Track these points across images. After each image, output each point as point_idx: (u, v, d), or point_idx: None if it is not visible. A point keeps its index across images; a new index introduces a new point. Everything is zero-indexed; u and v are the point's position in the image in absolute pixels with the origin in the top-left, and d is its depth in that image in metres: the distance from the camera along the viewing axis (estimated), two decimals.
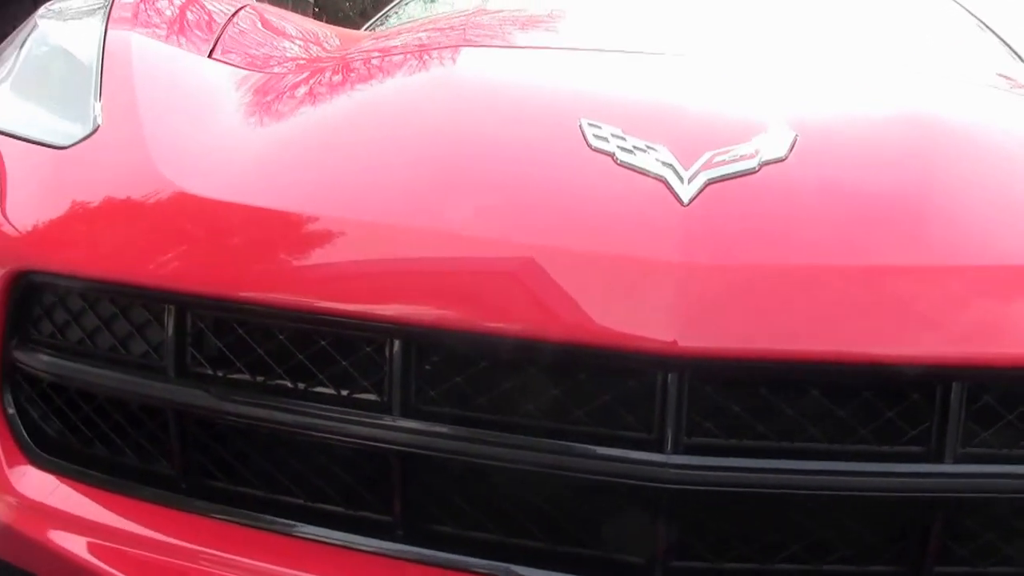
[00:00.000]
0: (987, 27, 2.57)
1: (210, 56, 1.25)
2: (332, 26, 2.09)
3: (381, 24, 2.70)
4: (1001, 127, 1.08)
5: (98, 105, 1.11)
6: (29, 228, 1.03)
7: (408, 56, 1.19)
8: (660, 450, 0.83)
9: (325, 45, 1.50)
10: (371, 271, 0.89)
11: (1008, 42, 2.55)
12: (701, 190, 0.87)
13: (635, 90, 1.03)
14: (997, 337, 0.84)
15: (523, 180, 0.91)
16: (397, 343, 0.88)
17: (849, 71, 1.16)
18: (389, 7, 2.77)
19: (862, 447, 0.85)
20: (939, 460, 0.84)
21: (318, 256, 0.90)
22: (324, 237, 0.91)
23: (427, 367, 0.88)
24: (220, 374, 0.94)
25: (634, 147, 0.91)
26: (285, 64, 1.26)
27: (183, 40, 1.29)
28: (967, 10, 2.78)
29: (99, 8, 1.36)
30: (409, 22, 1.59)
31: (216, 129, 1.07)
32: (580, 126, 0.95)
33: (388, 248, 0.89)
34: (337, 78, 1.16)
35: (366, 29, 2.62)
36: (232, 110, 1.10)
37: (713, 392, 0.84)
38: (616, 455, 0.84)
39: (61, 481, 1.01)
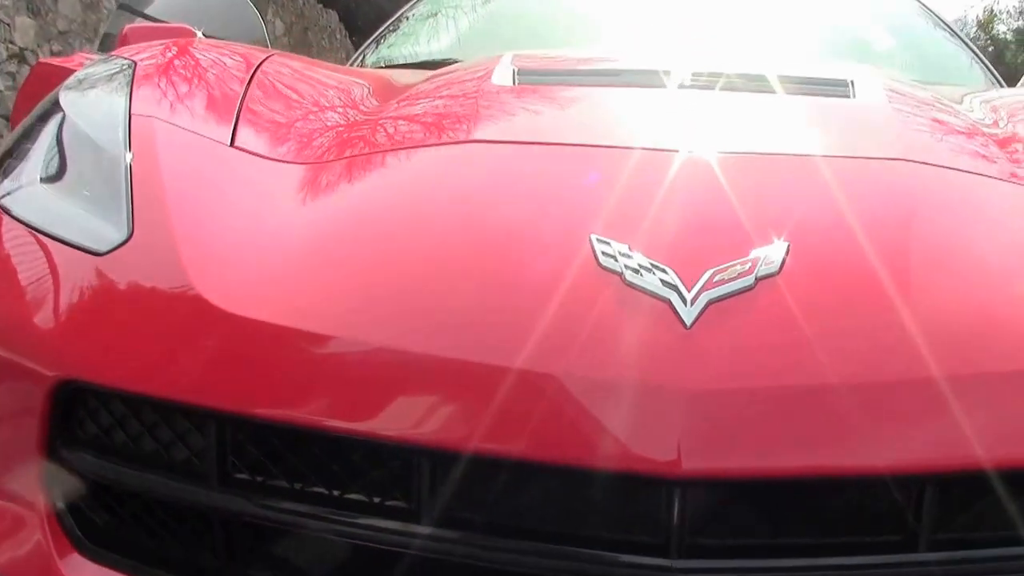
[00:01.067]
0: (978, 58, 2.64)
1: (232, 143, 1.30)
2: (359, 71, 2.14)
3: (382, 42, 2.75)
4: (991, 223, 1.14)
5: (130, 207, 1.16)
6: (72, 336, 1.10)
7: (424, 152, 1.25)
8: (666, 555, 0.92)
9: (352, 105, 1.56)
10: (394, 396, 0.97)
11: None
12: (702, 311, 0.95)
13: (639, 197, 1.09)
14: (968, 445, 0.92)
15: (538, 303, 0.98)
16: (423, 460, 0.96)
17: (840, 160, 1.21)
18: (387, 25, 2.83)
19: (848, 540, 0.94)
20: (915, 550, 0.94)
21: (350, 381, 0.98)
22: (355, 362, 0.98)
23: (451, 481, 0.96)
24: (260, 480, 1.02)
25: (640, 267, 0.98)
26: (309, 148, 1.31)
27: (207, 121, 1.35)
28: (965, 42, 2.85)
29: (121, 83, 1.42)
30: (425, 83, 1.64)
31: (247, 236, 1.13)
32: (591, 242, 1.02)
33: (411, 375, 0.96)
34: (353, 178, 1.22)
35: (371, 45, 2.67)
36: (262, 214, 1.16)
37: (715, 502, 0.93)
38: (625, 561, 0.93)
39: (111, 571, 1.09)
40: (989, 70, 2.70)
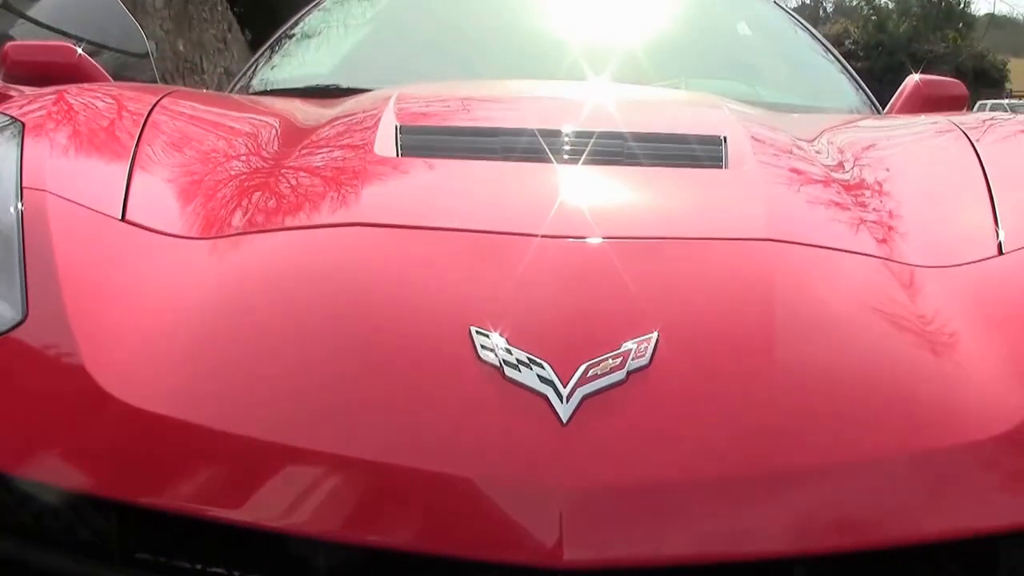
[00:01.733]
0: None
1: (124, 215, 1.32)
2: (256, 105, 2.16)
3: (274, 56, 2.75)
4: (852, 303, 1.22)
5: (23, 286, 1.19)
6: None
7: (309, 234, 1.29)
8: None
9: (253, 151, 1.60)
10: (271, 486, 1.02)
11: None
12: (578, 407, 1.02)
13: (518, 285, 1.16)
14: (829, 531, 1.01)
15: (417, 399, 1.04)
16: (313, 548, 1.02)
17: (709, 243, 1.27)
18: (275, 37, 2.83)
19: None
20: None
21: (228, 470, 1.03)
22: (234, 452, 1.03)
23: (340, 569, 1.02)
24: (163, 560, 1.06)
25: (518, 361, 1.05)
26: (200, 217, 1.34)
27: (98, 190, 1.37)
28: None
29: (9, 150, 1.42)
30: (319, 135, 1.67)
31: (139, 319, 1.16)
32: (470, 334, 1.08)
33: (288, 466, 1.02)
34: (239, 259, 1.26)
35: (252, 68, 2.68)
36: (151, 296, 1.20)
37: None
38: None
39: None
40: (859, 84, 2.81)
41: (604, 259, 1.21)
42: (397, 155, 1.44)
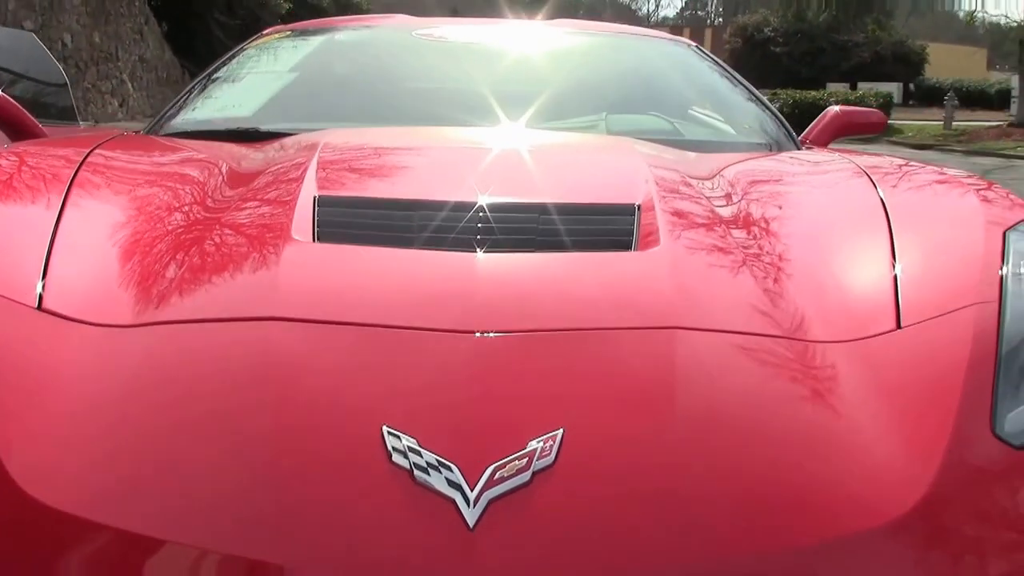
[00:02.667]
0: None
1: (41, 302, 1.34)
2: (189, 153, 2.16)
3: (197, 98, 2.75)
4: (760, 386, 1.27)
5: None
6: None
7: (225, 328, 1.31)
8: None
9: (186, 204, 1.63)
10: None
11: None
12: (484, 511, 1.06)
13: (430, 384, 1.20)
14: None
15: (327, 504, 1.08)
16: None
17: (615, 333, 1.31)
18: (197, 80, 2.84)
19: None
20: None
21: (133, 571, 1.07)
22: (138, 553, 1.07)
23: None
24: None
25: (427, 464, 1.09)
26: (119, 300, 1.36)
27: (15, 272, 1.39)
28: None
29: None
30: (242, 198, 1.70)
31: (52, 412, 1.18)
32: (382, 435, 1.12)
33: (191, 568, 1.06)
34: (152, 352, 1.27)
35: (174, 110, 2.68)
36: (65, 388, 1.22)
37: None
38: None
39: None
40: (778, 119, 2.87)
41: (513, 353, 1.25)
42: (313, 239, 1.47)
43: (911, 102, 38.99)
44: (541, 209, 1.59)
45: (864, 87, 33.06)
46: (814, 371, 1.30)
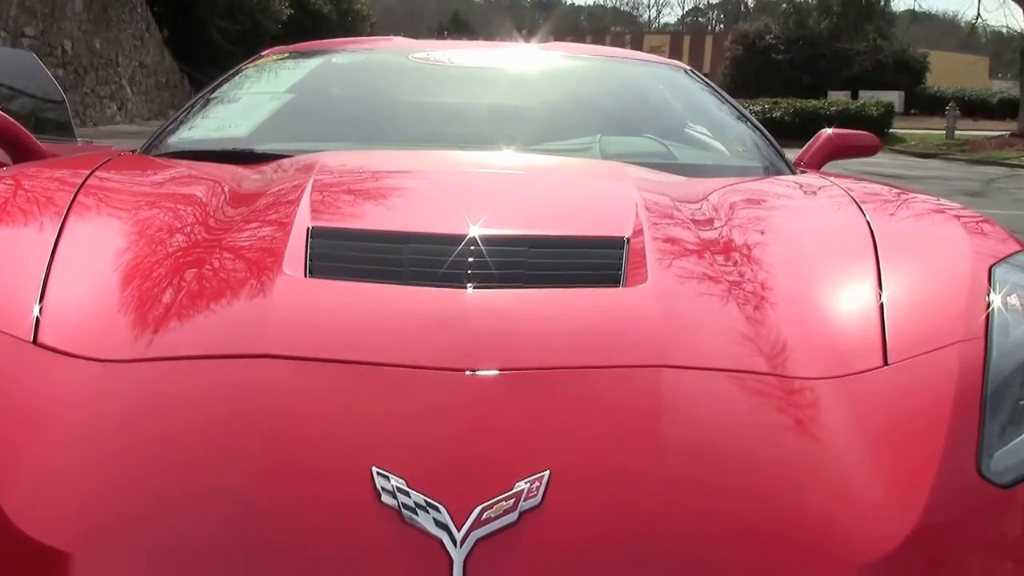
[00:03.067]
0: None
1: (36, 336, 1.35)
2: (187, 173, 2.17)
3: (193, 117, 2.76)
4: (745, 425, 1.28)
5: None
6: None
7: (215, 365, 1.32)
8: None
9: (179, 229, 1.64)
10: None
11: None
12: (471, 551, 1.07)
13: (419, 423, 1.21)
14: None
15: (316, 543, 1.09)
16: None
17: (601, 372, 1.32)
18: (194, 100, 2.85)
19: None
20: None
21: None
22: None
23: None
24: None
25: (416, 505, 1.10)
26: (113, 334, 1.37)
27: (11, 306, 1.40)
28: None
29: None
30: (237, 227, 1.71)
31: (49, 451, 1.19)
32: (372, 475, 1.13)
33: None
34: (143, 391, 1.28)
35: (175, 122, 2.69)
36: (60, 426, 1.22)
37: None
38: None
39: None
40: (770, 142, 2.87)
41: (500, 392, 1.26)
42: (305, 275, 1.48)
43: (913, 111, 38.95)
44: (531, 242, 1.60)
45: (865, 95, 33.09)
46: (800, 409, 1.31)
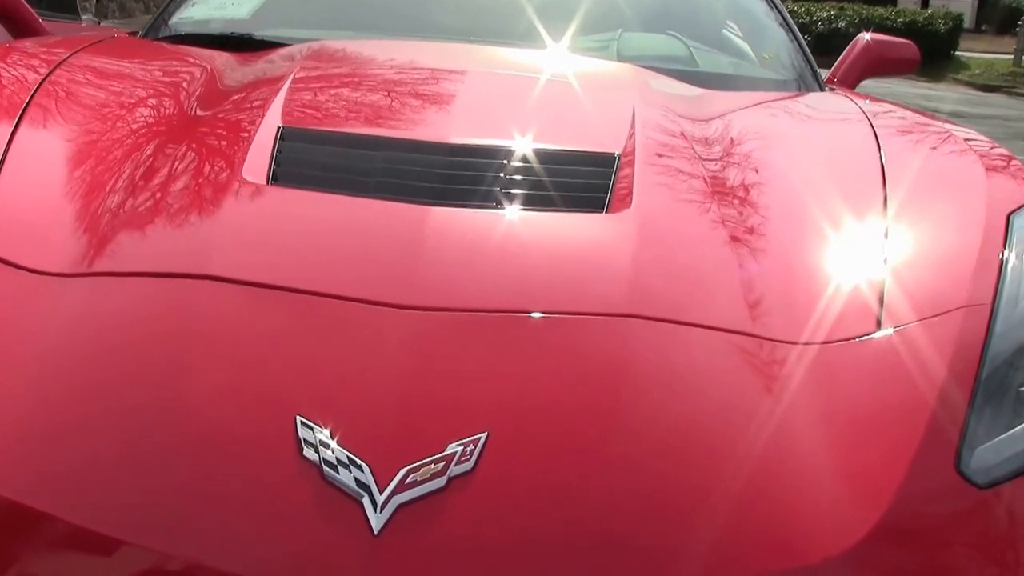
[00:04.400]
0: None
1: None
2: (169, 67, 2.07)
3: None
4: (711, 391, 1.19)
5: None
6: None
7: (156, 284, 1.24)
8: None
9: (136, 137, 1.55)
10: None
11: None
12: (391, 517, 0.99)
13: (358, 366, 1.12)
14: None
15: (227, 493, 1.02)
16: None
17: (562, 319, 1.22)
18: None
19: None
20: None
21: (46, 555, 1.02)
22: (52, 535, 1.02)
23: None
24: None
25: (338, 461, 1.02)
26: (60, 244, 1.29)
27: None
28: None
29: None
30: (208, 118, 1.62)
31: None
32: (295, 425, 1.05)
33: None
34: (86, 310, 1.20)
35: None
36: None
37: None
38: None
39: None
40: (803, 52, 2.71)
41: (448, 337, 1.16)
42: (268, 180, 1.39)
43: (983, 27, 37.42)
44: (512, 155, 1.49)
45: (936, 3, 31.79)
46: (775, 379, 1.20)
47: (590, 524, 1.03)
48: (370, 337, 1.15)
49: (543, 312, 1.22)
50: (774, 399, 1.17)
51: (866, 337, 1.27)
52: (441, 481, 1.02)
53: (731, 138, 1.78)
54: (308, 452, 1.03)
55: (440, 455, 1.04)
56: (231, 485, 1.03)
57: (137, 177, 1.43)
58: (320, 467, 1.02)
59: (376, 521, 0.99)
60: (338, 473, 1.02)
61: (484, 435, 1.06)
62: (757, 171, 1.66)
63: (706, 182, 1.56)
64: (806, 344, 1.25)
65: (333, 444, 1.04)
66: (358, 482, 1.01)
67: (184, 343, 1.15)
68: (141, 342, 1.16)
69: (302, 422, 1.05)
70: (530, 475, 1.05)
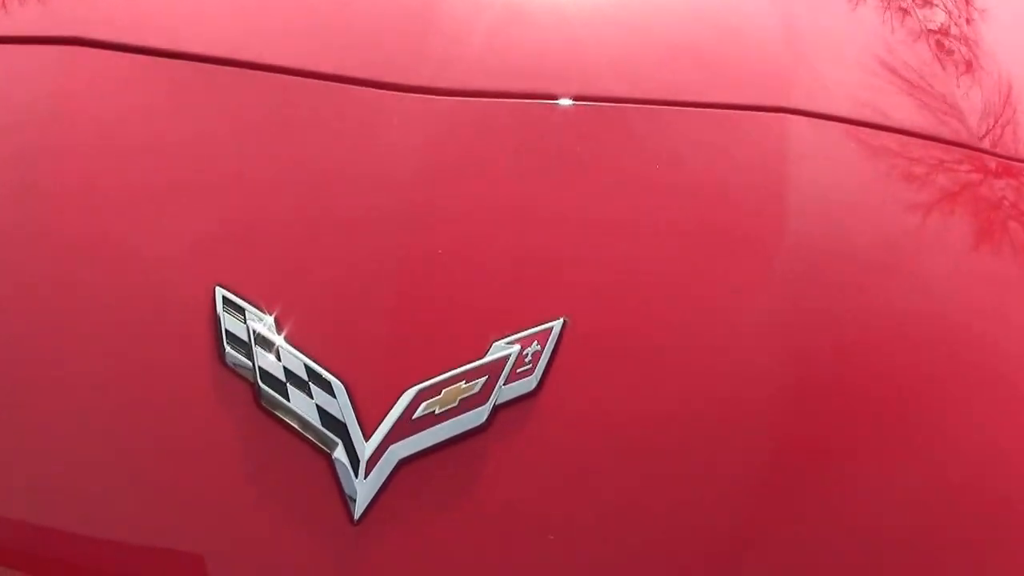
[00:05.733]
0: None
1: None
2: None
3: None
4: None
5: None
6: None
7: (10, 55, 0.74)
8: None
9: None
10: None
11: None
12: (387, 483, 0.52)
13: (323, 196, 0.62)
14: None
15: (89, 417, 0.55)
16: None
17: (683, 109, 0.71)
18: None
19: None
20: None
21: None
22: None
23: None
24: None
25: (288, 371, 0.55)
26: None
27: None
28: None
29: None
30: None
31: None
32: (214, 303, 0.56)
33: None
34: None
35: None
36: None
37: None
38: None
39: None
40: None
41: (494, 140, 0.66)
42: None
43: None
44: None
45: None
46: (1009, 219, 0.71)
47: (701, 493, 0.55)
48: (355, 140, 0.65)
49: (656, 101, 0.71)
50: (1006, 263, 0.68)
51: None
52: (482, 415, 0.54)
53: None
54: (234, 356, 0.55)
55: (478, 363, 0.55)
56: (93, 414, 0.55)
57: None
58: (255, 386, 0.54)
59: (361, 495, 0.52)
60: (288, 399, 0.54)
61: (559, 322, 0.57)
62: None
63: None
64: None
65: (279, 340, 0.55)
66: (324, 416, 0.53)
67: (38, 142, 0.65)
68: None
69: (225, 298, 0.57)
70: (642, 402, 0.57)
